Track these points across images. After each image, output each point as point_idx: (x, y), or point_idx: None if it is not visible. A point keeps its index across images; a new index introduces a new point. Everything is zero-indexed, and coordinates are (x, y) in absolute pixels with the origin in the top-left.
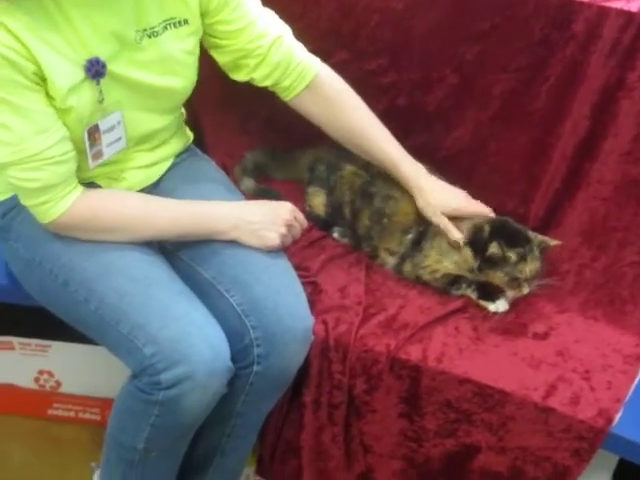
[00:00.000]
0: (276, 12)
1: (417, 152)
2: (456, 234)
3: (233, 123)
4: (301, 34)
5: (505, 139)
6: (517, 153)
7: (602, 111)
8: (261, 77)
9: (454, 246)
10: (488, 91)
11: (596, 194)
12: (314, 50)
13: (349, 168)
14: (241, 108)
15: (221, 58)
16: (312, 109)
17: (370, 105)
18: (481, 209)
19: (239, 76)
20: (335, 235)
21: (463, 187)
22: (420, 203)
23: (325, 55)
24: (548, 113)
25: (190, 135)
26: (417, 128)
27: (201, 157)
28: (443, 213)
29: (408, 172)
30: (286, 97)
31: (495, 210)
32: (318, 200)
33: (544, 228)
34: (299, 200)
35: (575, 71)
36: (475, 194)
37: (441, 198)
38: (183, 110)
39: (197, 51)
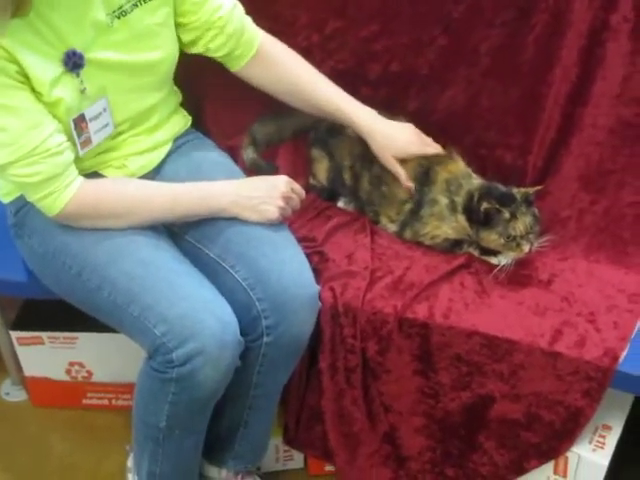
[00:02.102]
0: None
1: (413, 115)
2: (408, 182)
3: (232, 103)
4: (294, 7)
5: (498, 94)
6: (511, 106)
7: (590, 55)
8: (217, 47)
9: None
10: (477, 48)
11: (590, 139)
12: (308, 22)
13: (349, 133)
14: (239, 88)
15: (184, 36)
16: (261, 74)
17: (365, 71)
18: (434, 152)
19: (196, 49)
20: (340, 204)
21: (460, 145)
22: (374, 148)
23: (319, 25)
24: (537, 63)
25: (188, 118)
26: (412, 92)
27: (202, 139)
28: (395, 157)
29: (361, 118)
30: (236, 66)
31: (494, 165)
32: (321, 166)
33: (543, 177)
34: (303, 174)
35: (559, 19)
36: (473, 150)
37: (395, 147)
38: (178, 93)
39: (171, 22)
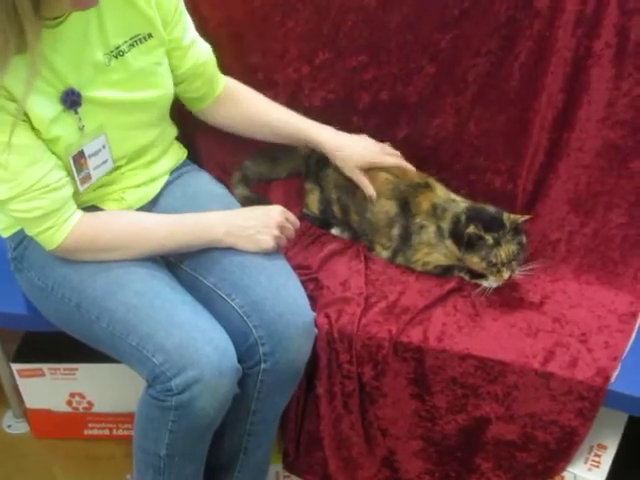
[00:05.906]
0: (257, 22)
1: (403, 143)
2: (370, 190)
3: (225, 137)
4: (284, 39)
5: (485, 120)
6: (498, 132)
7: (574, 81)
8: (193, 89)
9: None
10: (464, 76)
11: (578, 162)
12: (298, 54)
13: (333, 166)
14: None
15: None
16: (225, 114)
17: (355, 101)
18: (395, 161)
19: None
20: (334, 232)
21: (450, 171)
22: (337, 162)
23: (309, 56)
24: (523, 90)
25: (184, 150)
26: (401, 120)
27: (198, 171)
28: (358, 167)
29: (321, 137)
30: (200, 106)
31: (484, 190)
32: (313, 197)
33: (533, 201)
34: (297, 204)
35: (544, 47)
36: (463, 176)
37: (351, 153)
38: (174, 127)
39: (166, 61)
